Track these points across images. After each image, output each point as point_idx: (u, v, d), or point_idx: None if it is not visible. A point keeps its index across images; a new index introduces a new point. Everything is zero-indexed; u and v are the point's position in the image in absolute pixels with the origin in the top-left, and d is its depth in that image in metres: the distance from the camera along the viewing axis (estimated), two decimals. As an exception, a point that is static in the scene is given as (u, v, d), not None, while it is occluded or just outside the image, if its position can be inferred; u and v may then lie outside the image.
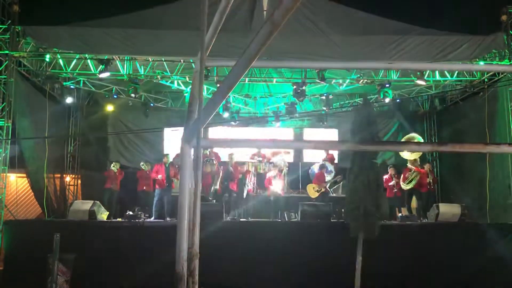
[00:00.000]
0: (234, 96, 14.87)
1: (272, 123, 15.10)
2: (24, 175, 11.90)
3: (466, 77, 12.26)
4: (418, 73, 11.40)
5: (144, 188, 11.47)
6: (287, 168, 12.70)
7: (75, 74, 12.04)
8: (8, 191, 11.30)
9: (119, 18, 10.92)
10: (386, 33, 10.84)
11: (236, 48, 9.79)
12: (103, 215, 10.41)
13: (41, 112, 11.53)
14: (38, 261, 8.38)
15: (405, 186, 11.50)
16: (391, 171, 11.79)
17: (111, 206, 11.30)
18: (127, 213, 10.12)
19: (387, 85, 12.01)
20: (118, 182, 11.81)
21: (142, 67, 12.00)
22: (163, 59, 11.59)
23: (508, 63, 10.55)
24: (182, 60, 11.56)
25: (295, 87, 11.88)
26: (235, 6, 10.15)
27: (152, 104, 14.41)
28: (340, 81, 12.78)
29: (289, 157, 14.39)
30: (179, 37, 10.39)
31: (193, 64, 10.80)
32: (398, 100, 13.88)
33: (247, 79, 12.67)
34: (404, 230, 9.85)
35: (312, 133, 15.08)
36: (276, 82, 12.96)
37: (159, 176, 11.13)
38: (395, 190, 11.61)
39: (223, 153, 12.86)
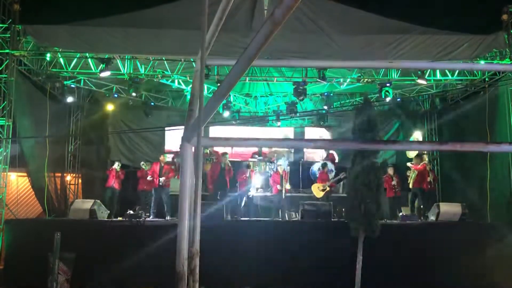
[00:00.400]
0: (235, 95, 14.88)
1: (272, 122, 15.12)
2: (25, 174, 11.92)
3: (467, 77, 12.25)
4: (419, 72, 11.40)
5: (145, 187, 11.47)
6: (288, 167, 12.71)
7: (75, 73, 12.04)
8: (9, 190, 11.31)
9: (120, 17, 10.91)
10: (386, 32, 10.83)
11: (237, 47, 9.80)
12: (104, 214, 10.41)
13: (42, 111, 11.54)
14: (38, 260, 8.39)
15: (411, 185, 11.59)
16: (390, 170, 11.79)
17: (112, 205, 11.31)
18: (128, 212, 10.12)
19: (388, 85, 12.00)
20: (119, 181, 11.82)
21: (142, 66, 12.00)
22: (163, 58, 11.59)
23: (509, 62, 10.54)
24: (182, 59, 11.56)
25: (295, 86, 11.87)
26: (236, 5, 10.14)
27: (152, 103, 14.41)
28: (341, 80, 12.77)
29: (290, 157, 14.39)
30: (180, 36, 10.39)
31: (193, 63, 10.80)
32: (398, 100, 13.87)
33: (247, 78, 12.67)
34: (404, 229, 9.85)
35: (312, 132, 15.09)
36: (276, 81, 12.96)
37: (149, 178, 11.15)
38: (397, 189, 11.61)
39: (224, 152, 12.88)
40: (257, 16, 10.62)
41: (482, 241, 9.25)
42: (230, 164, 11.81)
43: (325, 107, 13.94)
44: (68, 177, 13.85)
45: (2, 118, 10.47)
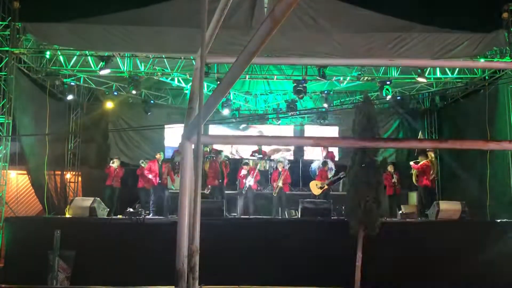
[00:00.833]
0: (235, 93, 14.87)
1: (272, 121, 15.12)
2: (25, 172, 11.92)
3: (467, 75, 12.24)
4: (419, 70, 11.39)
5: (144, 185, 11.47)
6: (288, 166, 12.71)
7: (75, 71, 12.04)
8: (9, 188, 11.32)
9: (120, 15, 10.91)
10: (387, 30, 10.83)
11: (237, 45, 9.79)
12: (103, 212, 10.42)
13: (42, 109, 11.54)
14: (38, 257, 8.41)
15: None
16: (390, 168, 11.80)
17: (112, 203, 11.31)
18: (128, 210, 10.13)
19: (388, 83, 12.00)
20: (119, 179, 11.81)
21: (142, 64, 11.99)
22: (163, 56, 11.58)
23: (509, 61, 10.53)
24: (182, 57, 11.55)
25: (295, 84, 11.87)
26: (236, 3, 10.14)
27: (152, 101, 14.41)
28: (341, 78, 12.76)
29: (290, 155, 14.41)
30: (180, 34, 10.38)
31: (193, 61, 10.79)
32: (398, 98, 13.87)
33: (247, 76, 12.66)
34: (404, 227, 9.86)
35: (312, 130, 15.10)
36: (276, 79, 12.95)
37: (150, 175, 11.14)
38: (397, 187, 11.62)
39: (226, 150, 12.92)
40: (257, 13, 10.61)
41: (482, 239, 9.25)
42: (227, 161, 11.83)
43: (325, 105, 13.94)
44: (68, 175, 13.86)
45: (2, 116, 10.47)
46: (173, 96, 15.00)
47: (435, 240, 9.33)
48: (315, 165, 13.05)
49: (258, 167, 12.47)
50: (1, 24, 10.55)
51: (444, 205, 10.33)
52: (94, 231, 9.31)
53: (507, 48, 10.71)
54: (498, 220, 10.22)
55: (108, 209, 10.65)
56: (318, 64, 10.83)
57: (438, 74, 12.21)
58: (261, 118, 15.31)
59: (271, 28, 1.71)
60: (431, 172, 11.77)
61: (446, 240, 9.29)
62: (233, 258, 8.83)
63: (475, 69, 11.85)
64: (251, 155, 13.56)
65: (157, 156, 11.55)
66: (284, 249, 8.96)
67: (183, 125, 2.73)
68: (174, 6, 10.85)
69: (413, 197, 12.46)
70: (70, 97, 12.98)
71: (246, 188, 11.45)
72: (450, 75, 12.18)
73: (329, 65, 11.21)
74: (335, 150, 13.87)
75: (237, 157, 14.05)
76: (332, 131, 15.11)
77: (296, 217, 10.81)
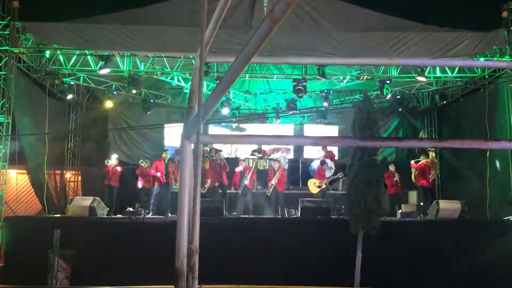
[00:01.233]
0: (234, 92, 14.87)
1: (272, 120, 15.12)
2: (25, 171, 11.92)
3: (467, 74, 12.24)
4: (418, 69, 11.39)
5: (144, 184, 11.47)
6: (287, 165, 12.71)
7: (75, 70, 12.04)
8: (8, 188, 11.31)
9: (119, 14, 10.91)
10: (386, 30, 10.83)
11: (236, 44, 9.79)
12: (103, 211, 10.42)
13: (41, 108, 11.54)
14: (38, 257, 8.41)
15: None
16: (391, 167, 11.81)
17: (111, 202, 11.31)
18: (127, 210, 10.13)
19: (388, 82, 12.00)
20: (117, 178, 11.80)
21: (142, 63, 11.99)
22: (163, 56, 11.58)
23: (509, 60, 10.52)
24: (182, 57, 11.55)
25: (295, 83, 11.87)
26: (236, 2, 10.14)
27: (152, 101, 14.40)
28: (341, 77, 12.76)
29: (289, 154, 14.40)
30: (179, 33, 10.38)
31: (193, 60, 10.79)
32: (398, 97, 13.88)
33: (247, 75, 12.66)
34: (404, 226, 9.87)
35: (312, 130, 15.10)
36: (276, 78, 12.94)
37: (158, 174, 11.10)
38: (398, 186, 11.64)
39: (225, 150, 12.91)
40: (256, 13, 10.61)
41: (481, 238, 9.25)
42: (225, 160, 11.83)
43: (325, 104, 13.92)
44: (68, 174, 13.86)
45: (2, 115, 10.46)
46: (172, 96, 14.99)
47: (435, 239, 9.34)
48: (315, 164, 13.04)
49: (257, 166, 12.48)
50: (1, 24, 10.54)
51: (444, 204, 10.34)
52: (94, 230, 9.31)
53: (507, 47, 10.71)
54: (498, 219, 10.22)
55: (108, 209, 10.66)
56: (318, 63, 10.82)
57: (438, 73, 12.21)
58: (261, 117, 15.31)
59: (271, 27, 1.71)
60: (432, 172, 11.78)
61: (445, 239, 9.30)
62: (233, 257, 8.83)
63: (475, 68, 11.85)
64: (251, 154, 13.55)
65: (163, 155, 11.52)
66: (283, 248, 8.96)
67: (182, 124, 2.73)
68: (174, 6, 10.85)
69: (413, 196, 12.46)
70: (69, 96, 12.97)
71: (242, 188, 11.44)
72: (450, 74, 12.19)
73: (329, 64, 11.22)
74: (334, 149, 13.87)
75: (233, 156, 14.00)
76: (332, 130, 15.10)
77: (295, 216, 10.81)
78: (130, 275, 8.55)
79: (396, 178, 11.66)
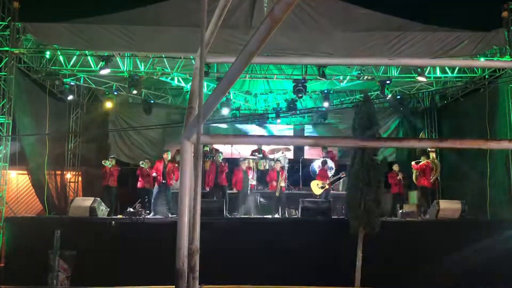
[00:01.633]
0: (235, 93, 14.87)
1: (272, 120, 15.12)
2: (25, 172, 11.92)
3: (467, 74, 12.24)
4: (418, 69, 11.39)
5: (145, 185, 11.47)
6: (287, 165, 12.71)
7: (75, 70, 12.03)
8: (9, 188, 11.32)
9: (119, 15, 10.92)
10: (386, 29, 10.83)
11: (236, 44, 9.79)
12: (104, 211, 10.42)
13: (42, 109, 11.54)
14: (39, 257, 8.41)
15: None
16: (395, 167, 11.83)
17: (110, 202, 11.30)
18: (128, 210, 10.14)
19: (388, 82, 11.99)
20: (115, 178, 11.80)
21: (142, 63, 11.98)
22: (163, 56, 11.58)
23: (509, 60, 10.52)
24: (182, 57, 11.54)
25: (295, 83, 11.87)
26: (236, 2, 10.14)
27: (152, 101, 14.40)
28: (341, 77, 12.76)
29: (290, 154, 14.40)
30: (179, 34, 10.38)
31: (193, 61, 10.79)
32: (398, 97, 13.88)
33: (247, 76, 12.65)
34: (404, 226, 9.87)
35: (312, 130, 15.11)
36: (276, 78, 12.94)
37: (154, 174, 11.11)
38: (402, 182, 11.64)
39: (226, 150, 12.90)
40: (256, 13, 10.61)
41: (482, 238, 9.25)
42: (223, 162, 11.79)
43: (326, 104, 13.89)
44: (68, 175, 13.86)
45: (2, 116, 10.47)
46: (173, 96, 14.99)
47: (435, 239, 9.35)
48: (316, 165, 13.04)
49: (257, 166, 12.48)
50: (1, 24, 10.55)
51: (444, 204, 10.34)
52: (94, 231, 9.32)
53: (507, 47, 10.71)
54: (498, 219, 10.22)
55: (108, 209, 10.66)
56: (318, 63, 10.83)
57: (438, 73, 12.21)
58: (261, 118, 15.30)
59: (271, 27, 1.71)
60: (432, 173, 11.78)
61: (446, 239, 9.30)
62: (233, 257, 8.84)
63: (475, 68, 11.85)
64: (251, 155, 13.55)
65: (164, 155, 11.52)
66: (284, 248, 8.97)
67: (183, 124, 2.73)
68: (174, 6, 10.85)
69: (413, 196, 12.47)
70: (70, 97, 12.99)
71: (247, 188, 11.45)
72: (450, 74, 12.18)
73: (329, 64, 11.20)
74: (335, 150, 13.87)
75: (234, 154, 13.99)
76: (332, 130, 15.10)
77: (296, 216, 10.82)
78: (130, 275, 8.56)
79: (399, 177, 11.66)
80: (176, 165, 11.70)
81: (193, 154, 2.49)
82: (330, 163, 12.71)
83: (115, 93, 13.70)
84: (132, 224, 9.47)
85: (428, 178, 11.62)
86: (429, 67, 11.68)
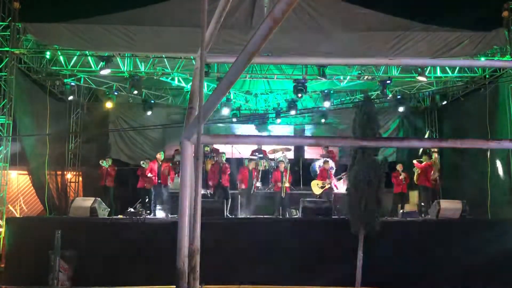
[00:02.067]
0: (235, 93, 14.87)
1: (273, 120, 15.12)
2: (26, 172, 11.93)
3: (467, 73, 12.23)
4: (419, 69, 11.38)
5: (145, 185, 11.47)
6: (288, 165, 12.70)
7: (75, 71, 12.03)
8: (10, 188, 11.32)
9: (120, 15, 10.92)
10: (387, 29, 10.82)
11: (237, 44, 9.79)
12: (104, 212, 10.42)
13: (42, 109, 11.55)
14: (39, 258, 8.41)
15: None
16: (399, 167, 11.84)
17: (109, 202, 11.30)
18: (128, 210, 10.14)
19: (388, 82, 11.99)
20: (112, 178, 11.84)
21: (142, 64, 11.98)
22: (163, 56, 11.58)
23: (509, 59, 10.52)
24: (182, 57, 11.54)
25: (295, 83, 11.86)
26: (236, 2, 10.14)
27: (152, 101, 14.40)
28: (341, 77, 12.75)
29: (290, 154, 14.39)
30: (180, 34, 10.38)
31: (193, 61, 10.80)
32: (399, 97, 13.88)
33: (247, 76, 12.66)
34: (405, 226, 9.86)
35: (312, 130, 15.10)
36: (277, 78, 12.94)
37: (149, 175, 11.12)
38: (404, 183, 11.64)
39: (226, 150, 12.89)
40: (257, 13, 10.61)
41: (482, 238, 9.24)
42: (226, 163, 11.78)
43: (327, 104, 13.86)
44: (69, 175, 13.86)
45: (2, 116, 10.47)
46: (173, 96, 14.99)
47: (436, 239, 9.34)
48: (316, 165, 13.04)
49: (258, 166, 12.46)
50: (1, 25, 10.55)
51: (445, 204, 10.33)
52: (95, 231, 9.32)
53: (507, 46, 10.71)
54: (499, 219, 10.22)
55: (109, 209, 10.67)
56: (318, 63, 10.81)
57: (439, 73, 12.20)
58: (262, 118, 15.30)
59: (271, 27, 1.71)
60: (433, 173, 11.77)
61: (446, 239, 9.30)
62: (234, 257, 8.84)
63: (475, 68, 11.84)
64: (251, 155, 13.55)
65: (157, 156, 11.55)
66: (284, 248, 8.97)
67: (183, 124, 2.73)
68: (174, 6, 10.85)
69: (414, 196, 12.46)
70: (70, 97, 12.98)
71: (252, 189, 11.43)
72: (450, 74, 12.17)
73: (329, 64, 11.20)
74: (335, 149, 13.86)
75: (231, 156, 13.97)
76: (332, 130, 15.10)
77: (297, 216, 10.81)
78: (131, 275, 8.56)
79: (401, 177, 11.65)
80: (171, 164, 11.74)
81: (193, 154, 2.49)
82: (331, 163, 12.70)
83: (116, 93, 13.70)
84: (132, 224, 9.47)
85: (429, 178, 11.62)
86: (429, 67, 11.68)
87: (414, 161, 11.91)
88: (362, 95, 13.03)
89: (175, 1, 10.99)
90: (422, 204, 11.55)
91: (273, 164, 12.62)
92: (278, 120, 15.11)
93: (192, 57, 11.04)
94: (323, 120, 14.99)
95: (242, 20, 10.62)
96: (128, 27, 10.54)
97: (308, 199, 10.68)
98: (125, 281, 8.38)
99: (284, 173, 11.51)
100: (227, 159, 12.38)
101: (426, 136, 14.10)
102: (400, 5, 11.62)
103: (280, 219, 10.72)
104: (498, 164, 11.08)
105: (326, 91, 13.55)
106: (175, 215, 9.74)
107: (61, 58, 11.61)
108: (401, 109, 13.91)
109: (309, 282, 8.62)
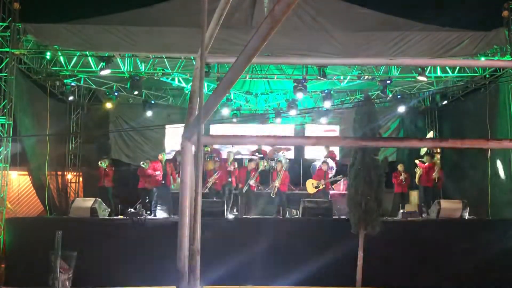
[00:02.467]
0: (235, 93, 14.88)
1: (273, 120, 15.11)
2: (26, 172, 11.93)
3: (468, 73, 12.22)
4: (419, 69, 11.38)
5: (145, 185, 11.47)
6: (288, 165, 12.68)
7: (75, 71, 12.03)
8: (10, 189, 11.32)
9: (120, 15, 10.92)
10: (387, 29, 10.82)
11: (237, 44, 9.79)
12: (105, 212, 10.42)
13: (42, 110, 11.55)
14: (40, 258, 8.41)
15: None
16: (400, 167, 11.84)
17: (108, 203, 11.29)
18: (129, 211, 10.14)
19: (388, 82, 11.99)
20: (110, 178, 11.84)
21: (142, 64, 11.99)
22: (163, 56, 11.58)
23: (510, 59, 10.51)
24: (182, 57, 11.54)
25: (296, 83, 11.86)
26: (236, 2, 10.14)
27: (153, 101, 14.40)
28: (341, 77, 12.75)
29: (290, 154, 14.38)
30: (180, 34, 10.38)
31: (193, 61, 10.80)
32: (399, 97, 13.88)
33: (248, 76, 12.66)
34: (405, 226, 9.86)
35: (313, 130, 15.08)
36: (277, 78, 12.94)
37: (157, 173, 11.10)
38: (404, 183, 11.65)
39: (223, 150, 12.89)
40: (257, 13, 10.61)
41: (482, 237, 9.25)
42: (235, 164, 11.81)
43: (328, 104, 13.85)
44: (69, 176, 13.87)
45: (3, 117, 10.48)
46: (173, 96, 15.00)
47: (436, 239, 9.34)
48: (317, 165, 13.03)
49: (258, 166, 12.44)
50: (2, 25, 10.55)
51: (445, 203, 10.34)
52: (95, 231, 9.32)
53: (507, 46, 10.70)
54: (499, 219, 10.22)
55: (109, 210, 10.67)
56: (318, 63, 10.81)
57: (439, 73, 12.20)
58: (262, 118, 15.30)
59: (271, 27, 1.70)
60: (435, 173, 11.77)
61: (447, 239, 9.30)
62: (234, 258, 8.83)
63: (475, 68, 11.84)
64: (251, 155, 13.54)
65: (160, 157, 11.53)
66: (284, 249, 8.97)
67: (183, 125, 2.73)
68: (174, 6, 10.85)
69: (415, 196, 12.46)
70: (70, 97, 12.99)
71: (246, 188, 11.41)
72: (450, 73, 12.16)
73: (329, 64, 11.22)
74: (336, 149, 13.85)
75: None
76: (333, 130, 15.09)
77: (297, 216, 10.81)
78: (131, 276, 8.56)
79: (402, 177, 11.66)
80: (173, 165, 11.72)
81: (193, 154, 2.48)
82: (331, 163, 12.69)
83: (116, 93, 13.70)
84: (133, 224, 9.47)
85: (431, 178, 11.62)
86: (429, 67, 11.68)
87: (417, 161, 11.91)
88: (362, 95, 13.03)
89: (175, 1, 10.99)
90: (423, 204, 11.54)
91: (273, 165, 12.61)
92: (278, 120, 15.10)
93: (192, 57, 11.04)
94: (323, 120, 14.98)
95: (242, 20, 10.62)
96: (128, 27, 10.54)
97: (308, 199, 10.68)
98: (125, 282, 8.38)
99: (280, 173, 11.49)
100: (227, 160, 12.38)
101: (429, 136, 14.08)
102: (399, 5, 11.62)
103: (280, 219, 10.72)
104: (498, 164, 11.07)
105: (326, 91, 13.55)
106: (176, 216, 9.75)
107: (61, 58, 11.61)
108: (401, 109, 13.92)
109: (309, 282, 8.62)
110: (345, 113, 14.62)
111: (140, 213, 10.06)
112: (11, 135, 10.58)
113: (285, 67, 12.76)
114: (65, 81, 12.47)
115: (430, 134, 14.37)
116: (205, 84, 12.59)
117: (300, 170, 13.77)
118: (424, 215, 10.93)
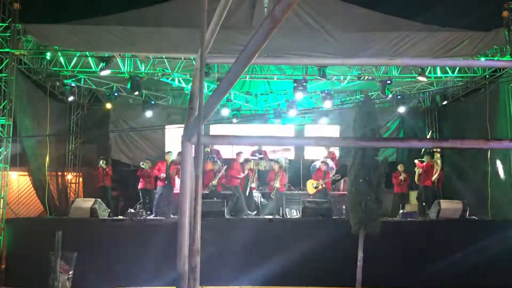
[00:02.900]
0: (235, 93, 14.87)
1: (273, 120, 15.11)
2: (26, 173, 11.92)
3: (468, 73, 12.22)
4: (419, 69, 11.38)
5: (146, 186, 11.47)
6: (287, 165, 12.69)
7: (76, 72, 12.02)
8: (10, 189, 11.31)
9: (120, 16, 10.91)
10: (387, 29, 10.82)
11: (237, 45, 9.79)
12: (104, 212, 10.42)
13: (42, 110, 11.55)
14: (40, 259, 8.41)
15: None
16: (400, 167, 11.84)
17: (107, 203, 11.29)
18: (129, 211, 10.13)
19: (388, 82, 11.99)
20: (109, 178, 11.88)
21: (142, 64, 11.98)
22: (163, 57, 11.58)
23: (509, 59, 10.51)
24: (182, 58, 11.54)
25: (296, 84, 11.86)
26: (236, 2, 10.14)
27: (153, 102, 14.39)
28: (341, 77, 12.75)
29: (290, 154, 14.39)
30: (180, 34, 10.38)
31: (193, 61, 10.80)
32: (399, 97, 13.88)
33: (248, 76, 12.65)
34: (405, 226, 9.87)
35: (313, 130, 15.08)
36: (277, 79, 12.93)
37: (162, 175, 11.07)
38: (403, 183, 11.64)
39: (226, 151, 12.88)
40: (257, 13, 10.61)
41: (483, 238, 9.24)
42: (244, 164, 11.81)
43: (329, 104, 13.84)
44: (69, 176, 13.86)
45: (3, 117, 10.47)
46: (173, 97, 14.99)
47: (436, 239, 9.34)
48: (317, 165, 13.03)
49: (257, 167, 12.45)
50: (2, 26, 10.55)
51: (445, 204, 10.34)
52: (95, 232, 9.32)
53: (507, 46, 10.70)
54: (499, 219, 10.21)
55: (109, 210, 10.67)
56: (318, 64, 10.82)
57: (439, 73, 12.19)
58: (262, 118, 15.30)
59: (271, 28, 1.71)
60: (434, 172, 11.77)
61: (446, 239, 9.30)
62: (234, 258, 8.84)
63: (475, 68, 11.84)
64: (251, 155, 13.54)
65: (166, 157, 11.51)
66: (284, 249, 8.96)
67: (183, 125, 2.73)
68: (174, 6, 10.85)
69: (414, 196, 12.46)
70: (70, 98, 12.98)
71: (247, 189, 11.42)
72: (450, 74, 12.16)
73: (329, 64, 11.20)
74: (336, 150, 13.85)
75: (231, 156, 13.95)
76: (333, 131, 15.09)
77: (297, 216, 10.80)
78: (131, 276, 8.56)
79: (401, 177, 11.65)
80: (178, 166, 11.68)
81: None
82: (331, 163, 12.69)
83: (116, 94, 13.69)
84: (133, 225, 9.47)
85: (431, 178, 11.62)
86: (429, 67, 11.68)
87: (416, 161, 11.92)
88: (362, 95, 13.02)
89: (175, 1, 10.99)
90: (423, 204, 11.54)
91: (272, 165, 12.62)
92: (278, 121, 15.10)
93: (192, 58, 11.04)
94: (323, 121, 14.98)
95: (242, 21, 10.62)
96: (128, 28, 10.54)
97: (308, 199, 10.68)
98: (125, 282, 8.38)
99: (278, 174, 11.51)
100: (226, 160, 12.40)
101: (428, 136, 14.08)
102: (399, 5, 11.61)
103: (280, 219, 10.72)
104: (498, 164, 11.07)
105: (326, 91, 13.54)
106: (176, 216, 9.75)
107: (61, 59, 11.61)
108: (401, 109, 13.91)
109: (309, 282, 8.63)
110: (345, 113, 14.61)
111: (140, 213, 10.06)
112: (11, 135, 10.58)
113: (285, 67, 12.76)
114: (65, 81, 12.47)
115: (428, 135, 14.37)
116: (205, 85, 12.59)
117: (300, 170, 13.76)
118: (423, 215, 10.92)
